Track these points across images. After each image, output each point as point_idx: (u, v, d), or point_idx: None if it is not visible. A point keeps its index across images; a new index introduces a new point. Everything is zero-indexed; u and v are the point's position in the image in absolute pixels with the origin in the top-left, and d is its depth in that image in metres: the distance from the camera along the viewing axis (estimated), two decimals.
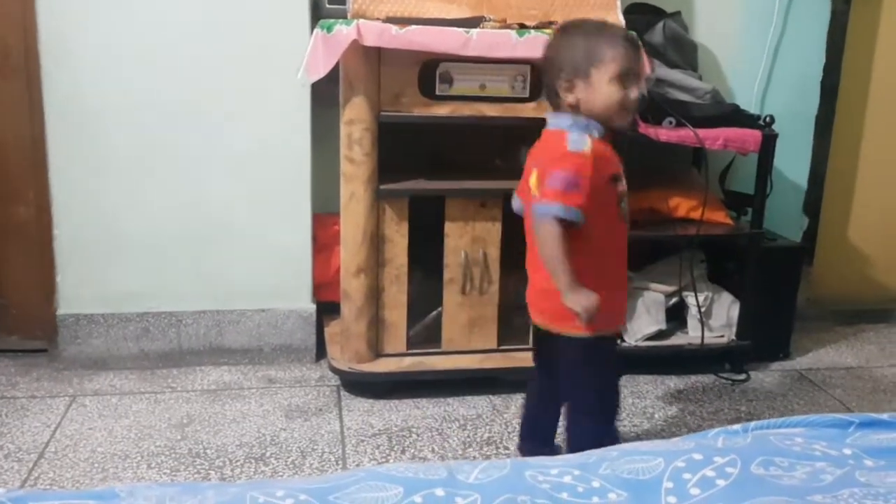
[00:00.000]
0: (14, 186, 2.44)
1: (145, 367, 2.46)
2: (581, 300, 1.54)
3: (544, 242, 1.55)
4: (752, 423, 1.08)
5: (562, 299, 1.56)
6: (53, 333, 2.46)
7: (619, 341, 1.95)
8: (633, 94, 1.58)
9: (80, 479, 1.88)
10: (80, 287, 2.42)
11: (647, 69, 2.26)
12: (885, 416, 1.07)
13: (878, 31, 2.97)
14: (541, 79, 1.81)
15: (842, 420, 1.07)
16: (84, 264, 2.40)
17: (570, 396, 1.73)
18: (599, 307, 1.55)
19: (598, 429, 1.69)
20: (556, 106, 1.65)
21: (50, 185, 2.36)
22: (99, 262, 2.41)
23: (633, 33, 1.67)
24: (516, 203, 1.78)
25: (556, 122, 1.65)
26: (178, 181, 2.40)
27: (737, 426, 1.07)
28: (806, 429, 1.04)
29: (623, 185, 1.65)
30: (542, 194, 1.57)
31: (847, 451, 0.98)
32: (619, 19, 2.30)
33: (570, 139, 1.58)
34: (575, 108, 1.60)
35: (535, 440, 1.86)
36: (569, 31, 1.64)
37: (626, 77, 1.56)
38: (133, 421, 2.15)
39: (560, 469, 0.95)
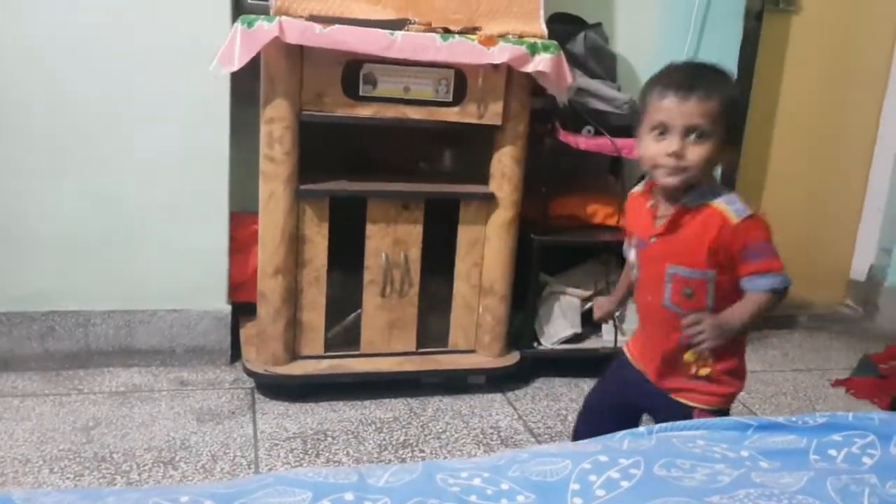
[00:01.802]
0: None
1: (50, 367, 2.37)
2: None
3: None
4: (657, 426, 1.11)
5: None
6: None
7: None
8: (663, 148, 1.41)
9: None
10: None
11: (569, 78, 2.30)
12: (781, 420, 1.11)
13: (787, 46, 3.11)
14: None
15: (741, 423, 1.11)
16: None
17: None
18: None
19: None
20: None
21: None
22: (1, 259, 2.30)
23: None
24: None
25: None
26: (89, 176, 2.32)
27: (642, 428, 1.10)
28: (707, 431, 1.08)
29: (637, 250, 1.55)
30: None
31: (744, 453, 1.02)
32: (542, 29, 2.33)
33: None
34: None
35: None
36: (651, 80, 1.52)
37: (659, 130, 1.41)
38: (35, 424, 2.06)
39: (470, 472, 0.95)
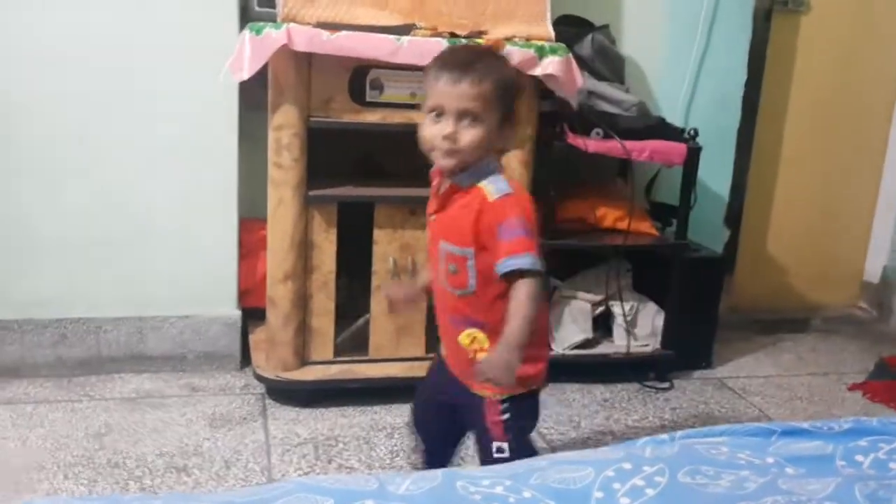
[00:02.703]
0: None
1: (62, 374, 2.36)
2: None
3: None
4: (679, 433, 1.10)
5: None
6: None
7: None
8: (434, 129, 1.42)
9: None
10: None
11: (579, 81, 2.30)
12: (805, 425, 1.10)
13: (796, 49, 3.10)
14: None
15: (765, 429, 1.10)
16: None
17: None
18: None
19: None
20: None
21: None
22: (13, 266, 2.31)
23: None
24: None
25: None
26: (99, 184, 2.32)
27: (664, 435, 1.09)
28: (731, 437, 1.07)
29: (429, 226, 1.57)
30: None
31: (770, 460, 1.01)
32: (549, 31, 2.33)
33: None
34: None
35: None
36: None
37: (433, 112, 1.42)
38: (49, 430, 2.06)
39: (491, 480, 0.95)
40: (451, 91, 1.39)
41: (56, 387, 2.30)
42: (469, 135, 1.40)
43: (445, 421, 1.65)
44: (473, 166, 1.45)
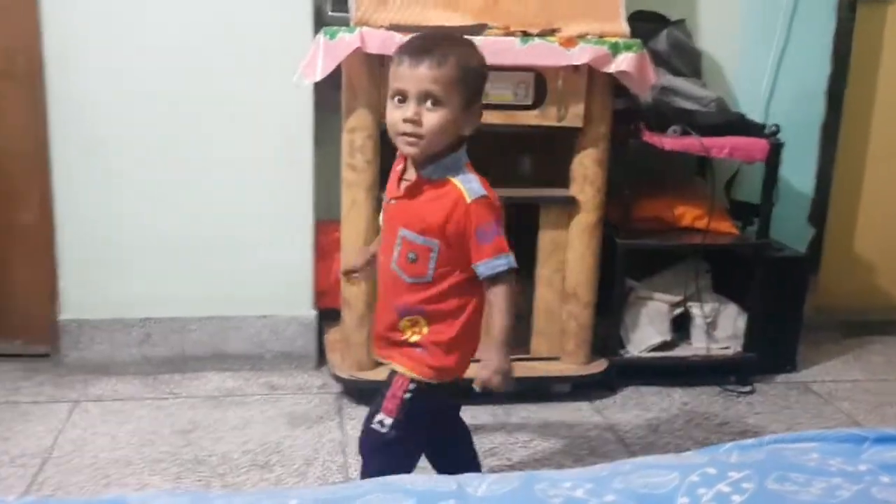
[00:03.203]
0: (18, 192, 2.43)
1: (148, 372, 2.45)
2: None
3: None
4: (766, 438, 1.07)
5: None
6: (56, 338, 2.44)
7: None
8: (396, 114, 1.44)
9: (84, 484, 1.87)
10: (82, 292, 2.41)
11: (653, 77, 2.25)
12: None
13: (883, 38, 2.97)
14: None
15: (856, 435, 1.06)
16: (86, 270, 2.39)
17: None
18: None
19: None
20: None
21: (53, 191, 2.35)
22: (101, 268, 2.40)
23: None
24: None
25: None
26: (181, 187, 2.39)
27: (751, 440, 1.06)
28: (820, 444, 1.03)
29: (386, 208, 1.58)
30: None
31: (863, 467, 0.97)
32: (624, 27, 2.29)
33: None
34: None
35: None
36: None
37: (396, 97, 1.45)
38: (136, 427, 2.14)
39: (572, 482, 0.93)
40: (411, 74, 1.41)
41: (142, 384, 2.39)
42: (432, 118, 1.41)
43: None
44: (441, 158, 1.47)
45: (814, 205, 2.96)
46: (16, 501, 0.91)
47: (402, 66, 1.43)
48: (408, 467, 1.56)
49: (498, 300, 1.47)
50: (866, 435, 1.06)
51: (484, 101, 2.15)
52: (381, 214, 1.61)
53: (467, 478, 0.96)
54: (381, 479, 0.95)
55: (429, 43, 1.46)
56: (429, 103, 1.41)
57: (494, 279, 1.46)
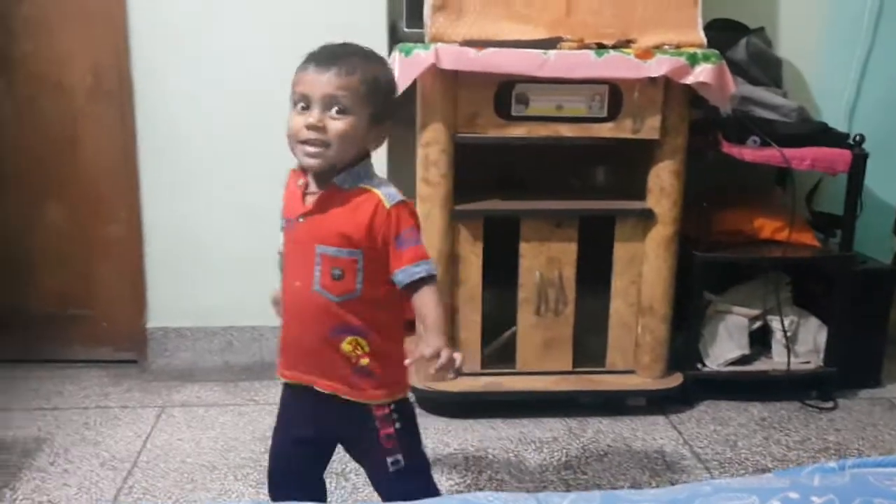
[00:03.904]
0: (107, 206, 2.55)
1: (229, 379, 2.53)
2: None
3: None
4: (849, 461, 1.04)
5: None
6: (143, 346, 2.56)
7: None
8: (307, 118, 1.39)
9: (170, 489, 1.95)
10: (168, 302, 2.51)
11: (731, 87, 2.22)
12: None
13: None
14: None
15: None
16: (172, 280, 2.50)
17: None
18: None
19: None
20: None
21: (141, 205, 2.46)
22: (186, 278, 2.50)
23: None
24: None
25: None
26: (261, 200, 2.46)
27: (832, 463, 1.03)
28: None
29: (285, 231, 1.53)
30: None
31: None
32: (701, 37, 2.26)
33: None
34: None
35: None
36: None
37: (303, 102, 1.40)
38: (219, 433, 2.21)
39: (650, 503, 0.93)
40: (317, 79, 1.37)
41: (224, 391, 2.47)
42: (337, 125, 1.36)
43: (309, 460, 1.56)
44: (352, 167, 1.41)
45: None
46: None
47: (307, 71, 1.39)
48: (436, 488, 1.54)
49: (424, 300, 1.39)
50: None
51: (556, 115, 2.21)
52: (283, 239, 1.53)
53: (546, 496, 0.96)
54: (463, 496, 0.97)
55: (336, 52, 1.42)
56: (334, 111, 1.36)
57: (414, 285, 1.38)
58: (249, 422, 2.28)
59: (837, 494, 0.90)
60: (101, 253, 2.58)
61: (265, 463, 2.02)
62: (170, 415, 2.31)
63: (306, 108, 1.38)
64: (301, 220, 1.45)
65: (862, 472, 0.99)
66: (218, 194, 2.46)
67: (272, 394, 2.45)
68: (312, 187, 1.44)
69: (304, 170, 1.45)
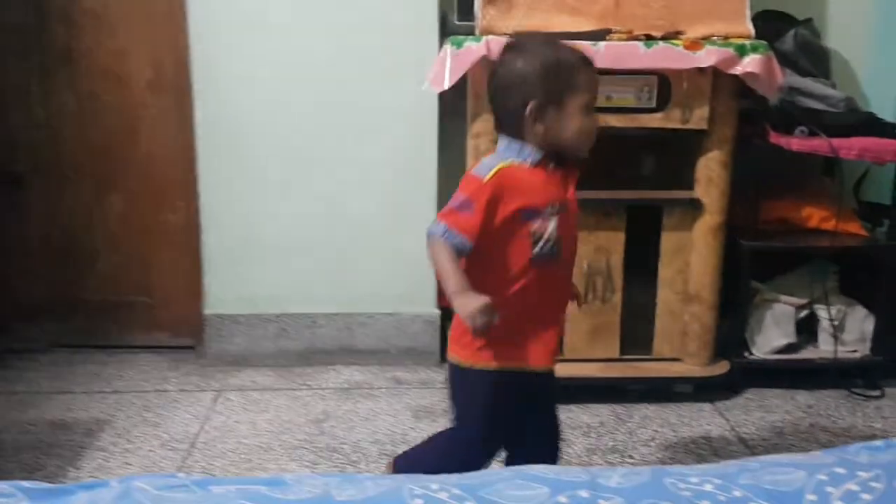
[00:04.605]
0: (166, 196, 2.64)
1: (283, 364, 2.61)
2: (466, 308, 1.36)
3: (433, 260, 1.42)
4: (895, 440, 1.07)
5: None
6: (200, 332, 2.64)
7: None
8: (597, 121, 1.47)
9: (228, 468, 2.02)
10: (224, 289, 2.59)
11: (779, 78, 2.23)
12: None
13: None
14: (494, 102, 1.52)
15: None
16: (228, 268, 2.58)
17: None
18: (493, 315, 1.37)
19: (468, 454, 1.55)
20: (504, 130, 1.49)
21: (198, 195, 2.54)
22: (242, 267, 2.58)
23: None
24: None
25: (497, 146, 1.51)
26: (313, 191, 2.54)
27: (879, 442, 1.06)
28: None
29: (543, 224, 1.45)
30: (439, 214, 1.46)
31: None
32: (749, 28, 2.28)
33: (484, 161, 1.48)
34: (515, 134, 1.46)
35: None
36: (532, 51, 1.46)
37: (592, 105, 1.46)
38: (274, 415, 2.29)
39: (700, 477, 0.98)
40: (596, 83, 1.46)
41: (278, 376, 2.55)
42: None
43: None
44: None
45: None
46: (186, 477, 1.03)
47: (589, 74, 1.44)
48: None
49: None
50: None
51: (606, 105, 2.24)
52: (553, 225, 1.46)
53: (598, 470, 1.01)
54: (517, 468, 1.02)
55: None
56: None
57: None
58: (303, 405, 2.35)
59: (884, 469, 0.93)
60: (159, 242, 2.67)
61: (319, 444, 2.12)
62: (226, 398, 2.40)
63: (590, 110, 1.45)
64: (567, 203, 1.51)
65: None
66: (274, 185, 2.53)
67: (324, 379, 2.53)
68: (554, 174, 1.49)
69: (545, 160, 1.46)
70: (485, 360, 1.50)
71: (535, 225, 1.45)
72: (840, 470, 0.94)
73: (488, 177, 1.42)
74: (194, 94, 2.48)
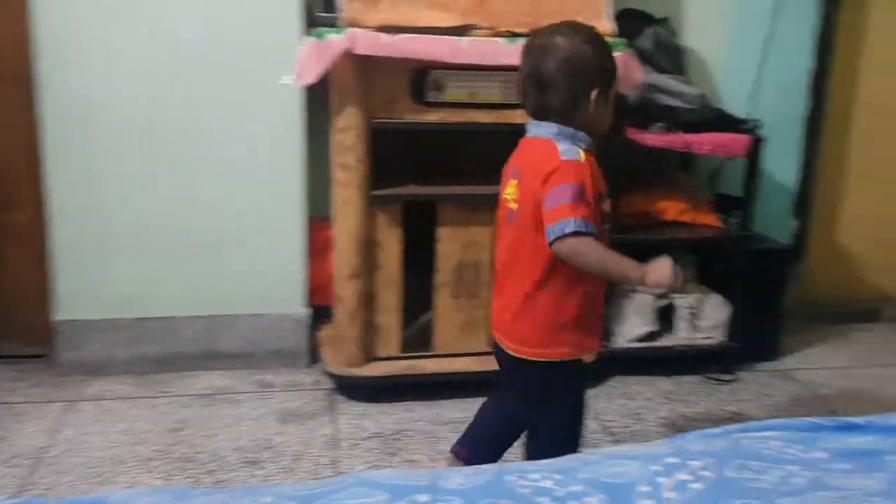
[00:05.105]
0: (11, 193, 2.47)
1: (141, 371, 2.48)
2: (662, 272, 1.45)
3: (584, 256, 1.42)
4: (731, 427, 1.11)
5: (643, 281, 1.46)
6: (50, 339, 2.48)
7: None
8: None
9: (76, 483, 1.90)
10: (76, 293, 2.44)
11: (637, 75, 2.29)
12: (858, 420, 1.10)
13: (866, 33, 3.00)
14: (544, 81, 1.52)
15: (817, 424, 1.10)
16: (80, 271, 2.43)
17: (537, 421, 1.65)
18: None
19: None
20: (555, 116, 1.51)
21: (47, 193, 2.38)
22: (95, 269, 2.43)
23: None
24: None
25: (541, 130, 1.54)
26: (173, 188, 2.43)
27: (716, 429, 1.10)
28: (781, 432, 1.07)
29: (607, 205, 1.57)
30: (557, 212, 1.43)
31: (820, 455, 1.01)
32: (610, 26, 2.32)
33: (561, 149, 1.47)
34: (566, 119, 1.50)
35: (482, 453, 1.76)
36: (595, 38, 1.52)
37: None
38: (128, 426, 2.17)
39: (542, 474, 0.97)
40: None
41: (135, 384, 2.42)
42: None
43: None
44: None
45: (798, 197, 3.00)
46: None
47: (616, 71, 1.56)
48: None
49: None
50: (826, 423, 1.10)
51: (471, 101, 2.24)
52: (604, 208, 1.56)
53: (442, 470, 0.99)
54: (359, 474, 0.99)
55: None
56: None
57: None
58: (160, 414, 2.25)
59: (715, 458, 0.95)
60: (5, 243, 2.50)
61: (175, 454, 2.02)
62: (78, 409, 2.26)
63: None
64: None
65: (740, 436, 1.06)
66: (128, 183, 2.39)
67: (185, 385, 2.42)
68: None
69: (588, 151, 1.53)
70: (577, 352, 1.55)
71: (606, 206, 1.53)
72: (673, 460, 0.96)
73: (583, 160, 1.47)
74: (39, 84, 2.32)
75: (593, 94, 1.48)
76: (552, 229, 1.42)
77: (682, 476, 0.93)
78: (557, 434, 1.63)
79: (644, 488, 0.93)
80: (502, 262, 1.64)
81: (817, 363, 2.71)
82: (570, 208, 1.41)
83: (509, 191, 1.59)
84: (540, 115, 1.55)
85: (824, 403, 2.42)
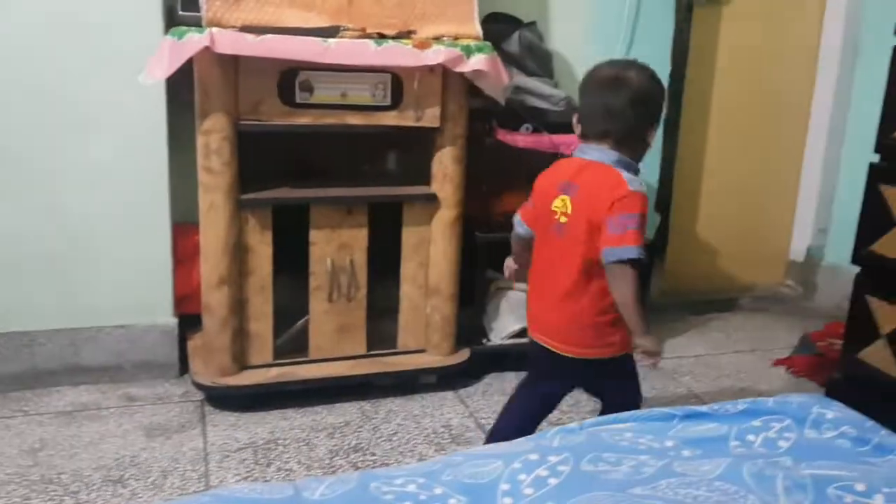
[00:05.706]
0: None
1: None
2: (654, 341, 1.58)
3: (626, 285, 1.55)
4: (588, 421, 1.15)
5: (635, 339, 1.60)
6: None
7: None
8: None
9: None
10: None
11: (505, 78, 2.33)
12: (704, 408, 1.16)
13: (717, 40, 3.19)
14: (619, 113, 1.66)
15: (667, 413, 1.15)
16: None
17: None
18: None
19: None
20: (615, 144, 1.65)
21: None
22: None
23: None
24: (523, 228, 1.88)
25: (601, 156, 1.65)
26: (27, 193, 2.29)
27: (574, 424, 1.13)
28: (635, 423, 1.12)
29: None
30: (622, 237, 1.55)
31: (669, 444, 1.06)
32: (477, 30, 2.36)
33: (627, 178, 1.59)
34: (623, 148, 1.65)
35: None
36: (658, 77, 1.71)
37: None
38: None
39: (405, 478, 0.98)
40: None
41: None
42: None
43: None
44: None
45: (659, 194, 3.14)
46: None
47: None
48: None
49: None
50: (676, 413, 1.15)
51: (341, 103, 2.23)
52: None
53: (305, 482, 0.98)
54: (216, 492, 0.96)
55: None
56: None
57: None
58: (16, 434, 2.11)
59: (572, 452, 0.99)
60: None
61: (32, 477, 1.91)
62: None
63: None
64: None
65: (597, 430, 1.10)
66: None
67: (44, 403, 2.29)
68: None
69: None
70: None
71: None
72: (533, 456, 0.98)
73: (645, 191, 1.59)
74: None
75: (652, 129, 1.66)
76: (614, 251, 1.55)
77: (541, 472, 0.96)
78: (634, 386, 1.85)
79: (505, 486, 0.94)
80: (544, 269, 1.78)
81: (681, 352, 2.85)
82: (635, 237, 1.55)
83: (558, 204, 1.70)
84: (600, 140, 1.67)
85: (689, 390, 2.54)
